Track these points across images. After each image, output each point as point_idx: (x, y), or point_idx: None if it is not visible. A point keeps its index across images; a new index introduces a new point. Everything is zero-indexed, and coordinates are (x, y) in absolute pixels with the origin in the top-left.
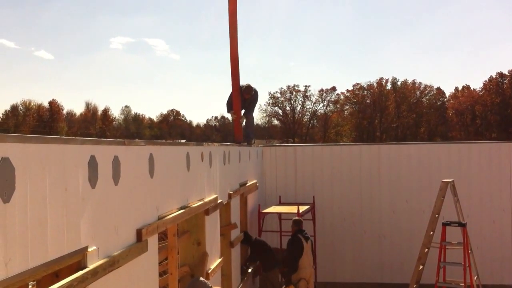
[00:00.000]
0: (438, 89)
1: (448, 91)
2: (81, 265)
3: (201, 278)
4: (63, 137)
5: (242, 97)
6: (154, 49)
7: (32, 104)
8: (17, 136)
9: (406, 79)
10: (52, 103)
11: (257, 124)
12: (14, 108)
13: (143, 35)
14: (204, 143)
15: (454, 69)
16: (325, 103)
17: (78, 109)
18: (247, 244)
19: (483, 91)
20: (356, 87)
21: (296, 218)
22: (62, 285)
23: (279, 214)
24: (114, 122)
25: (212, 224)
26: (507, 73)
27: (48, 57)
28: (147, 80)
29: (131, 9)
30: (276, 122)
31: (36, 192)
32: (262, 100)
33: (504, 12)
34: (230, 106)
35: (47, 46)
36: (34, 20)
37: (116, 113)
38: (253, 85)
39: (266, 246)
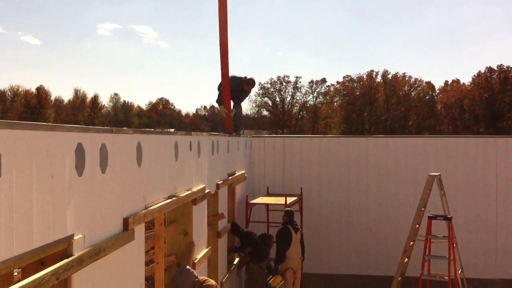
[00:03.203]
0: (428, 83)
1: (438, 85)
2: (67, 253)
3: (188, 267)
4: (50, 124)
5: (241, 87)
6: (142, 36)
7: (20, 90)
8: (3, 122)
9: (397, 72)
10: (40, 89)
11: (246, 115)
12: (1, 93)
13: (131, 22)
14: (192, 132)
15: (444, 63)
16: (315, 95)
17: (67, 96)
18: (236, 235)
19: (472, 86)
20: (346, 79)
21: (288, 209)
22: (47, 273)
23: (267, 205)
24: (102, 110)
25: (200, 214)
26: (496, 68)
27: (34, 42)
28: (136, 68)
29: None
30: (265, 112)
31: (22, 179)
32: (252, 90)
33: (494, 7)
34: (221, 99)
35: (34, 31)
36: (21, 4)
37: (105, 100)
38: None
39: (255, 237)
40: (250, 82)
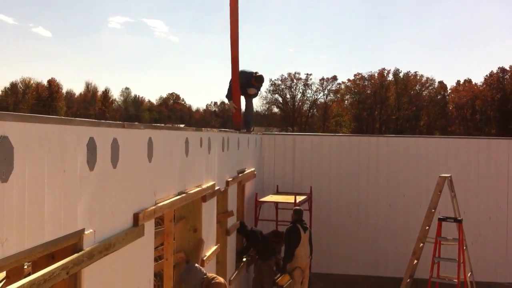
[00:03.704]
0: (440, 82)
1: (450, 84)
2: (77, 248)
3: (196, 265)
4: (63, 117)
5: (250, 82)
6: (153, 30)
7: (31, 82)
8: (17, 115)
9: (409, 71)
10: (51, 82)
11: (256, 111)
12: (13, 85)
13: (142, 16)
14: (203, 128)
15: (456, 63)
16: (325, 92)
17: (78, 89)
18: (242, 234)
19: (484, 86)
20: (357, 77)
21: (297, 207)
22: (57, 267)
23: (276, 203)
24: (113, 104)
25: (209, 211)
26: (508, 68)
27: (46, 34)
28: (147, 62)
29: None
30: (276, 109)
31: (35, 172)
32: (262, 87)
33: (507, 8)
34: (230, 94)
35: (45, 23)
36: None
37: (116, 94)
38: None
39: (262, 236)
40: (258, 79)
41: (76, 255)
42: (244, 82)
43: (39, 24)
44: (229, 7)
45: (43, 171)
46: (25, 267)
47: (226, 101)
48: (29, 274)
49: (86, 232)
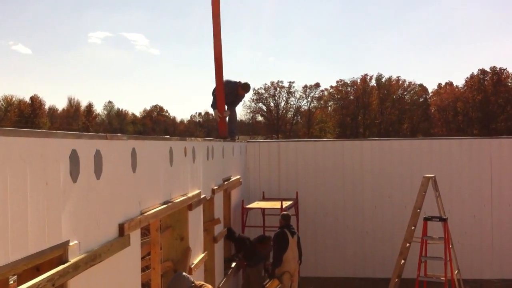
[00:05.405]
0: (421, 86)
1: (431, 87)
2: (62, 259)
3: (184, 273)
4: (44, 130)
5: (235, 91)
6: (134, 44)
7: (13, 99)
8: None
9: (391, 76)
10: (34, 99)
11: (240, 120)
12: None
13: (121, 30)
14: (187, 138)
15: (437, 66)
16: (309, 99)
17: (60, 105)
18: (230, 240)
19: (465, 88)
20: (339, 83)
21: (285, 213)
22: (43, 279)
23: (263, 209)
24: (97, 118)
25: (195, 219)
26: (489, 70)
27: (25, 52)
28: (129, 76)
29: (108, 3)
30: (260, 118)
31: (17, 185)
32: (246, 96)
33: (487, 10)
34: (215, 103)
35: (25, 41)
36: (11, 13)
37: (99, 108)
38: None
39: (249, 242)
40: (245, 87)
41: (61, 266)
42: (230, 92)
43: (18, 41)
44: (211, 16)
45: (25, 184)
46: (11, 282)
47: (211, 110)
48: None
49: (71, 244)
